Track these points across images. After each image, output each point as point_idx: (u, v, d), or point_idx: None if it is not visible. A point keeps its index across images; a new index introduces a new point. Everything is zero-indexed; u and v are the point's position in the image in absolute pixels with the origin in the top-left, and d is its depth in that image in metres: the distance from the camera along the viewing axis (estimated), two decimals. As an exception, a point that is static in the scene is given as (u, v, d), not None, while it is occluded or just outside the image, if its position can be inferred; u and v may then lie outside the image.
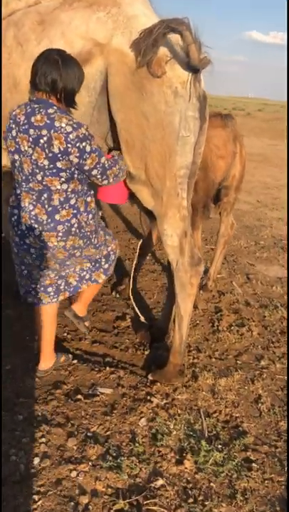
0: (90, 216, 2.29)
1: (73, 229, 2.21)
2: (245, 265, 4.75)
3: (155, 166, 2.20)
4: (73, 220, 2.20)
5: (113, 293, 3.75)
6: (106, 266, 2.53)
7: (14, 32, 2.39)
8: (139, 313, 2.94)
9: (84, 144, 2.00)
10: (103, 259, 2.54)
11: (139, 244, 3.03)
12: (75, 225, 2.22)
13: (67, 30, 2.26)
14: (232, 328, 3.42)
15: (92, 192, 2.34)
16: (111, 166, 2.15)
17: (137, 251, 3.03)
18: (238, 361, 3.04)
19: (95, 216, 2.35)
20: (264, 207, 7.18)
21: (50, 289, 2.42)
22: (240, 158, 3.42)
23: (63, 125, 2.01)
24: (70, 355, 2.81)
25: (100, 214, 2.49)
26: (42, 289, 2.40)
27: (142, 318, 2.96)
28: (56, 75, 2.03)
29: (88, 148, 2.02)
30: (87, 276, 2.49)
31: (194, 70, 2.09)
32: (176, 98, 2.16)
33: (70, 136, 2.01)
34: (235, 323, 3.50)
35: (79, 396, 2.51)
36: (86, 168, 2.07)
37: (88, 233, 2.30)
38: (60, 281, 2.42)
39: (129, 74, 2.15)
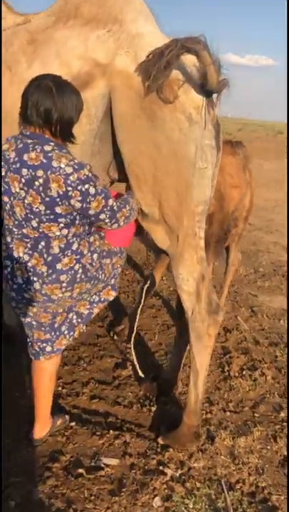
0: (95, 256, 2.04)
1: (78, 275, 1.97)
2: (247, 296, 4.50)
3: (170, 202, 1.99)
4: (77, 266, 1.95)
5: (110, 333, 3.42)
6: (113, 281, 2.27)
7: (1, 54, 2.12)
8: (139, 369, 2.62)
9: (87, 186, 1.77)
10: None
11: (145, 287, 2.72)
12: (80, 271, 1.97)
13: (62, 49, 2.00)
14: (244, 372, 3.13)
15: (94, 229, 2.07)
16: (120, 208, 1.90)
17: (143, 293, 2.72)
18: (255, 414, 2.74)
19: (100, 252, 2.09)
20: (258, 230, 7.00)
21: (55, 335, 2.12)
22: (250, 187, 3.22)
23: (62, 166, 1.75)
24: (67, 417, 2.46)
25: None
26: (44, 339, 2.10)
27: (141, 373, 2.64)
28: (50, 104, 1.77)
29: (92, 191, 1.78)
30: (97, 299, 2.23)
31: (211, 93, 1.87)
32: (190, 125, 1.93)
33: (71, 178, 1.75)
34: (247, 366, 3.21)
35: (80, 470, 2.16)
36: (92, 212, 1.83)
37: (94, 273, 2.06)
38: (71, 315, 2.15)
39: (136, 99, 1.91)
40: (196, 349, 2.23)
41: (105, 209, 1.85)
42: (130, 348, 2.72)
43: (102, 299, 2.27)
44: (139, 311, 2.75)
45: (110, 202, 1.86)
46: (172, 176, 1.94)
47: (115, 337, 3.39)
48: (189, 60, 1.90)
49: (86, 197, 1.79)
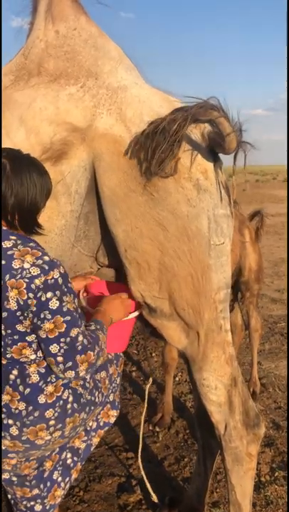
0: (88, 375, 1.61)
1: (69, 406, 1.55)
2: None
3: (184, 292, 1.67)
4: (66, 394, 1.54)
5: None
6: (112, 397, 1.85)
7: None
8: (152, 493, 2.13)
9: (49, 294, 1.39)
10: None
11: (147, 387, 2.27)
12: (70, 399, 1.55)
13: (27, 114, 1.66)
14: (276, 474, 2.65)
15: None
16: (85, 348, 1.43)
17: (146, 393, 2.28)
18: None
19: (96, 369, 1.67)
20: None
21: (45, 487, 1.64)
22: (252, 246, 2.98)
23: (27, 266, 1.38)
24: None
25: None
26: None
27: (155, 498, 2.14)
28: (3, 187, 1.41)
29: (54, 305, 1.39)
30: (95, 425, 1.81)
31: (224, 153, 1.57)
32: (200, 194, 1.63)
33: (36, 281, 1.37)
34: (276, 463, 2.74)
35: None
36: (41, 334, 1.41)
37: (90, 397, 1.64)
38: (64, 454, 1.69)
39: (128, 168, 1.59)
40: (235, 476, 1.80)
41: (62, 339, 1.41)
42: (137, 462, 2.23)
43: (102, 424, 1.84)
44: (143, 418, 2.28)
45: (74, 332, 1.42)
46: (184, 260, 1.63)
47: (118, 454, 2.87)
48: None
49: (40, 311, 1.38)
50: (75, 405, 1.56)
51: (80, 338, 1.42)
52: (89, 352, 1.43)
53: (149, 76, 1.78)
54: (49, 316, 1.39)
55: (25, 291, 1.37)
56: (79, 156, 1.62)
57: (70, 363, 1.41)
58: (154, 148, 1.46)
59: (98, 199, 1.65)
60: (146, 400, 2.20)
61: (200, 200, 1.61)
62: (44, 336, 1.41)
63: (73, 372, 1.43)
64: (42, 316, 1.38)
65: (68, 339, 1.40)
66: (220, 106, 1.45)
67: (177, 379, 3.80)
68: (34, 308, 1.38)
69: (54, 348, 1.41)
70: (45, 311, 1.38)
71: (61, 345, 1.40)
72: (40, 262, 1.39)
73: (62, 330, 1.40)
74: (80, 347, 1.41)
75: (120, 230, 1.62)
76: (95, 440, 1.81)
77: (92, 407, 1.67)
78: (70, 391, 1.54)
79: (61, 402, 1.51)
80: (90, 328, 1.50)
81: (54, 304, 1.39)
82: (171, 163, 1.51)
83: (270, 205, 13.65)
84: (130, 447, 2.89)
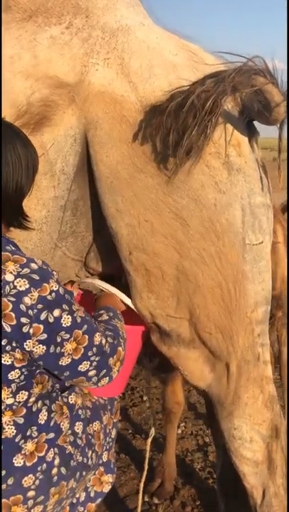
0: (80, 426, 1.71)
1: (54, 470, 1.58)
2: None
3: (211, 310, 1.74)
4: (50, 454, 1.57)
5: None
6: (106, 457, 1.92)
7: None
8: None
9: (57, 313, 1.47)
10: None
11: (148, 442, 2.34)
12: (56, 461, 1.59)
13: (-6, 64, 1.69)
14: None
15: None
16: (113, 347, 1.60)
17: (147, 455, 2.34)
18: None
19: (85, 415, 1.78)
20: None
21: None
22: (285, 248, 3.05)
23: (9, 278, 1.41)
24: None
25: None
26: None
27: None
28: None
29: (67, 321, 1.49)
30: (84, 497, 1.88)
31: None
32: (231, 175, 1.67)
33: (26, 299, 1.41)
34: None
35: None
36: (64, 363, 1.52)
37: (81, 457, 1.70)
38: None
39: (136, 140, 1.65)
40: None
41: (89, 353, 1.53)
42: None
43: (94, 495, 1.89)
44: (141, 489, 2.35)
45: (97, 338, 1.55)
46: (210, 265, 1.69)
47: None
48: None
49: (54, 336, 1.46)
50: (63, 470, 1.59)
51: (104, 340, 1.55)
52: (118, 349, 1.60)
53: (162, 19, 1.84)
54: (67, 336, 1.46)
55: (12, 314, 1.39)
56: (66, 122, 1.65)
57: (104, 371, 1.57)
58: (180, 131, 1.49)
59: (92, 182, 1.70)
60: (146, 462, 2.25)
61: (232, 183, 1.64)
62: (69, 361, 1.50)
63: (107, 378, 1.61)
64: (59, 340, 1.45)
65: (95, 349, 1.53)
66: (267, 69, 1.49)
67: (180, 431, 3.83)
68: (45, 336, 1.43)
69: (84, 366, 1.52)
70: (60, 333, 1.45)
71: (91, 359, 1.53)
72: (26, 271, 1.41)
73: (86, 343, 1.50)
74: (108, 349, 1.56)
75: (123, 225, 1.65)
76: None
77: (84, 472, 1.71)
78: (56, 450, 1.57)
79: (44, 465, 1.54)
80: (103, 319, 1.65)
81: (67, 321, 1.46)
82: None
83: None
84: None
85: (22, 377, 1.48)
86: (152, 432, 2.31)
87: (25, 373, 1.49)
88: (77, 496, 1.80)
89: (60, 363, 1.50)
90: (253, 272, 1.73)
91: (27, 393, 1.51)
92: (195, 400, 4.22)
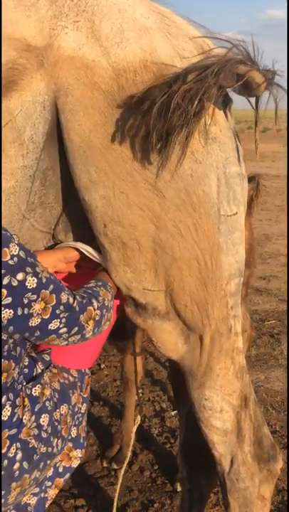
0: (46, 418, 1.74)
1: (16, 465, 1.60)
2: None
3: (187, 282, 1.76)
4: (12, 450, 1.60)
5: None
6: (75, 432, 1.94)
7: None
8: None
9: (20, 276, 1.49)
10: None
11: (134, 428, 2.35)
12: (18, 456, 1.62)
13: None
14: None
15: (45, 358, 1.85)
16: (85, 304, 1.64)
17: (132, 438, 2.36)
18: None
19: (52, 401, 1.79)
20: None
21: None
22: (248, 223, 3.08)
23: None
24: None
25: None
26: None
27: None
28: None
29: (32, 283, 1.51)
30: (52, 472, 1.92)
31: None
32: (207, 144, 1.68)
33: None
34: (274, 506, 2.93)
35: None
36: (34, 323, 1.54)
37: (45, 448, 1.72)
38: None
39: (107, 107, 1.61)
40: (246, 525, 1.90)
41: (57, 311, 1.57)
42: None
43: (62, 470, 1.92)
44: (123, 470, 2.37)
45: (64, 297, 1.59)
46: (187, 237, 1.70)
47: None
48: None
49: (20, 298, 1.48)
50: (25, 464, 1.60)
51: (71, 299, 1.59)
52: (88, 308, 1.62)
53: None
54: (34, 297, 1.48)
55: None
56: (35, 87, 1.60)
57: (75, 328, 1.61)
58: (163, 131, 1.50)
59: (62, 151, 1.66)
60: (131, 445, 2.28)
61: (208, 153, 1.65)
62: (39, 321, 1.52)
63: (79, 335, 1.64)
64: (26, 301, 1.46)
65: (62, 307, 1.56)
66: (247, 55, 1.52)
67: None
68: (9, 300, 1.44)
69: (54, 325, 1.56)
70: (26, 295, 1.46)
71: (60, 316, 1.56)
72: None
73: (54, 302, 1.53)
74: (77, 307, 1.59)
75: (97, 197, 1.63)
76: (52, 492, 1.88)
77: (49, 461, 1.75)
78: (18, 445, 1.59)
79: (5, 461, 1.55)
80: (88, 286, 1.69)
81: (32, 283, 1.48)
82: None
83: (247, 164, 14.07)
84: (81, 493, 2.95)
85: None
86: (138, 419, 2.31)
87: None
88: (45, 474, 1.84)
89: (30, 324, 1.51)
90: (228, 243, 1.76)
91: None
92: (152, 366, 4.28)
